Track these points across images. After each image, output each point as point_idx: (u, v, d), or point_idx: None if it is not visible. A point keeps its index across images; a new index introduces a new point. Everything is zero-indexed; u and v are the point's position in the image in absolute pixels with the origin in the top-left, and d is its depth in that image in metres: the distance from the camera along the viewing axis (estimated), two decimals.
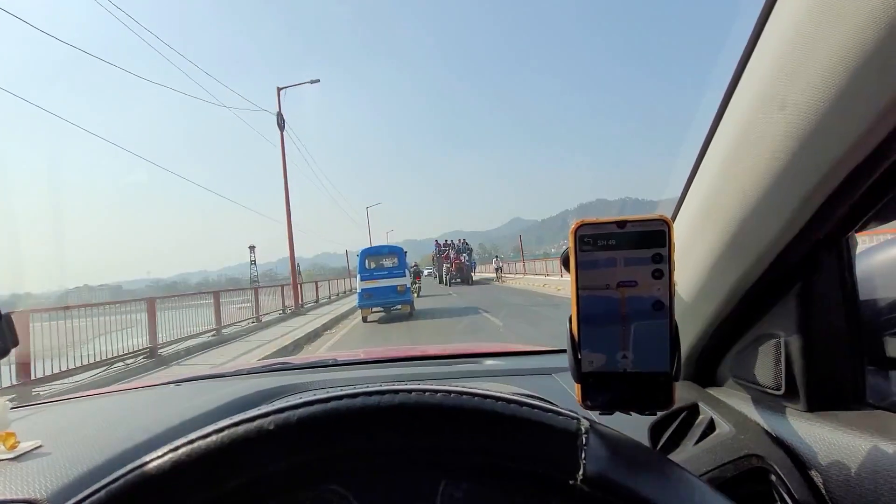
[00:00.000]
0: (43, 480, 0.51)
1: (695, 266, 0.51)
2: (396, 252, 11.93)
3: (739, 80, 0.40)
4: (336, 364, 1.13)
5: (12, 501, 0.48)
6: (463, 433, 0.26)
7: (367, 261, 11.58)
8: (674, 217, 0.54)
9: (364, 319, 11.07)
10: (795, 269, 0.43)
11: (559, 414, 0.27)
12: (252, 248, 48.18)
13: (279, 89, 16.14)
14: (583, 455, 0.25)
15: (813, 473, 0.39)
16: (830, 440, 0.38)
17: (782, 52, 0.34)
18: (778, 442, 0.43)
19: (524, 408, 0.27)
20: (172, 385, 1.02)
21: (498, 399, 0.27)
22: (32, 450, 0.59)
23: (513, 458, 0.26)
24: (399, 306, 11.27)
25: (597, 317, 0.34)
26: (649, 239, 0.33)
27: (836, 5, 0.29)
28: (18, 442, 0.60)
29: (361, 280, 11.13)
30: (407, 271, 11.50)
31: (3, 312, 0.33)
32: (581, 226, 0.34)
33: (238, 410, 0.28)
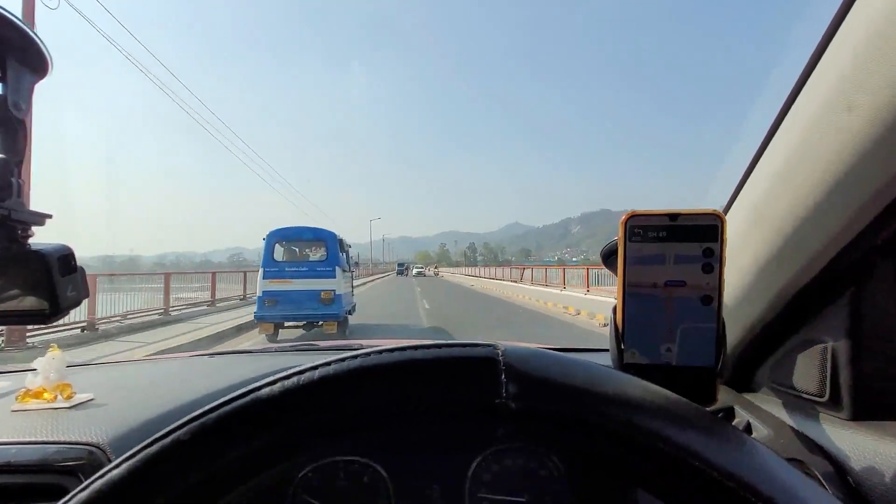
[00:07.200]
0: (102, 428, 0.53)
1: (742, 268, 0.49)
2: (325, 238, 7.31)
3: (805, 84, 0.39)
4: (361, 349, 1.15)
5: (75, 444, 0.50)
6: (407, 387, 0.26)
7: (276, 247, 7.14)
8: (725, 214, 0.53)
9: (269, 339, 6.73)
10: (848, 274, 0.42)
11: (476, 345, 0.27)
12: None
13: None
14: (502, 376, 0.25)
15: (855, 481, 0.38)
16: (875, 450, 0.37)
17: (855, 54, 0.33)
18: (819, 448, 0.42)
19: (442, 349, 0.27)
20: (206, 357, 1.06)
21: (417, 348, 0.27)
22: (86, 401, 0.62)
23: (445, 396, 0.25)
24: (320, 323, 6.84)
25: (642, 312, 0.34)
26: (701, 233, 0.32)
27: None
28: (74, 393, 0.62)
29: (264, 278, 6.81)
30: (339, 269, 7.06)
31: (79, 266, 0.36)
32: (632, 216, 0.34)
33: None
